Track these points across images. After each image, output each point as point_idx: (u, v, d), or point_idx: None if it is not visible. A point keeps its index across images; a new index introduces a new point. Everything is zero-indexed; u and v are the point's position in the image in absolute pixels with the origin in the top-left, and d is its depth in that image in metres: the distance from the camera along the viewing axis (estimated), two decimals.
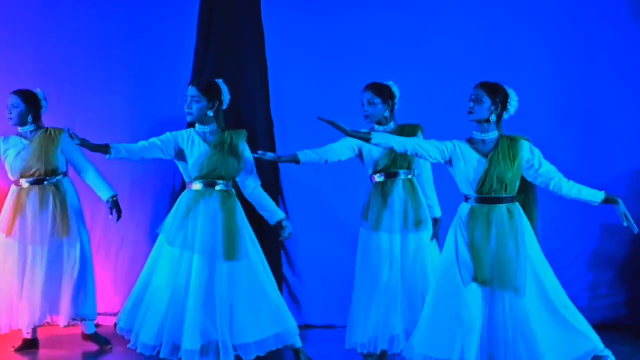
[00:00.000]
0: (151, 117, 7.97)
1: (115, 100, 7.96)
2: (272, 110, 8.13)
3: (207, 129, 6.01)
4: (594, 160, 7.97)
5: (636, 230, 5.40)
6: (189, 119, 6.03)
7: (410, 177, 6.48)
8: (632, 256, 7.96)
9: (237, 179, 6.12)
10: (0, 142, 6.87)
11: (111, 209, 6.75)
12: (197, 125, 6.04)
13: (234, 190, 6.07)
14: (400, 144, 5.50)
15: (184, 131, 6.08)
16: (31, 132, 6.87)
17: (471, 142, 5.57)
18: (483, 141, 5.53)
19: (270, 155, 6.01)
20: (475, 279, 5.31)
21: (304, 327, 7.94)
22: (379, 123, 6.52)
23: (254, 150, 7.15)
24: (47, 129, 6.89)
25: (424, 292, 6.18)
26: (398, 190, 6.43)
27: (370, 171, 6.52)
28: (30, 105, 6.87)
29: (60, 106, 7.77)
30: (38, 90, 6.94)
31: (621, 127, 8.05)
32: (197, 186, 5.98)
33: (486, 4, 8.10)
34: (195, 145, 5.98)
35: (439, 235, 6.41)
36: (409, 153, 5.54)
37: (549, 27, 8.08)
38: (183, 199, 6.05)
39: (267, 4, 8.03)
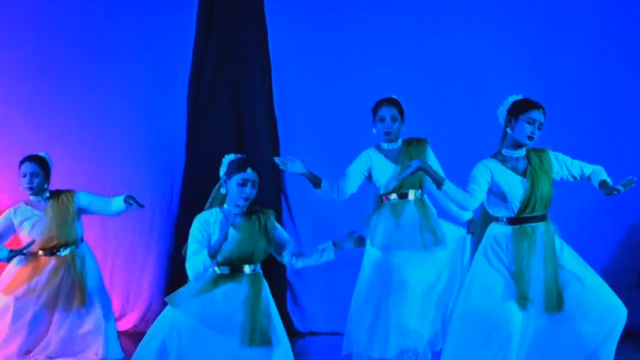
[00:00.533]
0: (149, 116, 8.04)
1: (113, 99, 8.01)
2: (276, 107, 8.14)
3: (235, 210, 5.56)
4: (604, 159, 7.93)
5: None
6: (242, 202, 5.51)
7: (421, 196, 6.41)
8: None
9: (276, 257, 5.71)
10: (11, 214, 6.66)
11: (127, 200, 6.56)
12: (225, 206, 5.61)
13: (261, 271, 5.64)
14: (466, 203, 5.30)
15: (211, 216, 5.60)
16: (44, 199, 6.68)
17: (502, 160, 5.43)
18: (517, 159, 5.41)
19: (298, 169, 5.97)
20: (519, 301, 5.17)
21: (308, 334, 7.98)
22: (391, 140, 6.42)
23: (255, 153, 7.06)
24: (58, 195, 6.68)
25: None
26: (410, 210, 6.34)
27: (382, 191, 6.40)
28: (46, 171, 6.69)
29: (58, 105, 7.88)
30: (45, 154, 6.74)
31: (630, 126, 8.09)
32: (224, 270, 5.53)
33: (492, 5, 8.14)
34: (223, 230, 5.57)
35: (473, 232, 6.30)
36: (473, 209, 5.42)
37: (555, 27, 8.12)
38: (208, 279, 5.56)
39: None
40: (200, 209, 7.75)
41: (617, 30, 8.06)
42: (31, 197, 6.67)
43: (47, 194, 6.67)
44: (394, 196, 6.37)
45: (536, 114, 5.31)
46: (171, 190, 8.06)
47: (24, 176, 6.60)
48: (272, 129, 8.16)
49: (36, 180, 6.60)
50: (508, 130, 5.39)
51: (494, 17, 8.13)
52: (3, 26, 8.01)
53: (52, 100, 7.94)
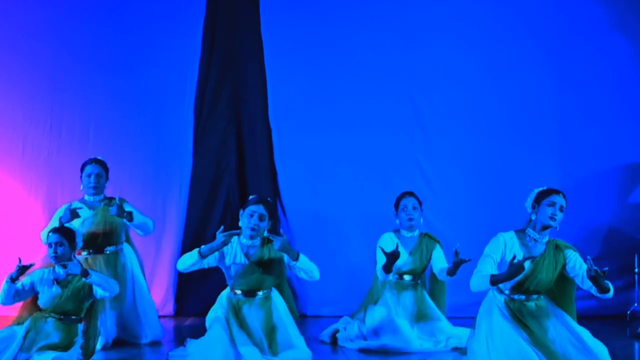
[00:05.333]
0: (161, 124, 8.36)
1: (126, 108, 8.33)
2: (270, 116, 8.40)
3: (250, 242, 5.87)
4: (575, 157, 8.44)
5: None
6: (253, 233, 5.81)
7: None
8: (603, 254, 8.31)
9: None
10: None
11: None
12: (242, 238, 5.91)
13: (271, 294, 6.00)
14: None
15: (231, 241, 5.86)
16: (99, 201, 6.82)
17: (522, 237, 5.49)
18: (535, 241, 5.47)
19: None
20: None
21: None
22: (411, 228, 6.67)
23: (252, 156, 7.67)
24: (110, 200, 6.78)
25: None
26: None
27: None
28: (107, 174, 6.85)
29: (75, 116, 8.28)
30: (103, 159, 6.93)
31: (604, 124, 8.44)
32: (238, 292, 5.94)
33: (482, 14, 8.40)
34: (236, 256, 5.88)
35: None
36: None
37: (542, 37, 8.42)
38: (223, 299, 5.98)
39: (266, 20, 8.35)
40: (205, 206, 8.33)
41: (617, 30, 8.37)
42: (87, 197, 6.79)
43: (103, 196, 6.80)
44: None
45: (561, 201, 5.38)
46: (180, 189, 8.29)
47: (89, 176, 6.73)
48: (267, 134, 8.38)
49: (101, 181, 6.75)
50: (532, 216, 5.42)
51: (491, 20, 8.33)
52: (21, 39, 8.24)
53: (72, 110, 8.25)
